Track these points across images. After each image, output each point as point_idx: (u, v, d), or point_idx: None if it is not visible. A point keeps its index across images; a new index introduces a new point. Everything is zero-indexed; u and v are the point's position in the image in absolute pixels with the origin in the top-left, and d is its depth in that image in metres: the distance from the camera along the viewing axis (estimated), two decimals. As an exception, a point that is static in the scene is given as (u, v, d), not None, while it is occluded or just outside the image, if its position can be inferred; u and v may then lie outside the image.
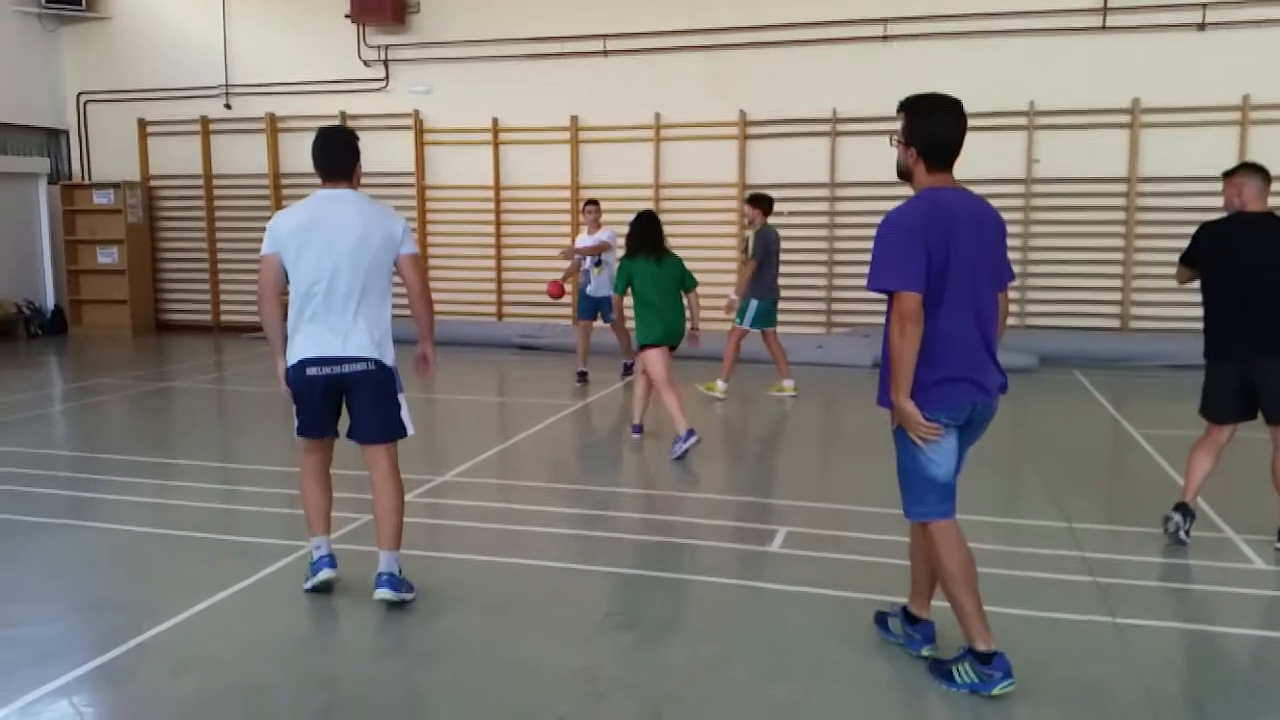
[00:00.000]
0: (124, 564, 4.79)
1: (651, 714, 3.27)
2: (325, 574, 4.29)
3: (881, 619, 3.89)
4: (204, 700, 3.38)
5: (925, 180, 3.40)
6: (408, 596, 4.23)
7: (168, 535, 5.19)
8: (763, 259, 8.96)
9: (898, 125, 3.45)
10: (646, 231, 7.30)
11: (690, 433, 6.85)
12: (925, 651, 3.64)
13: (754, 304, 9.03)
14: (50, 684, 3.45)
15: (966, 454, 3.53)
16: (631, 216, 7.50)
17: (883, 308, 3.51)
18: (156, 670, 3.61)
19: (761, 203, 9.10)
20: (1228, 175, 5.07)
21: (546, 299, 12.95)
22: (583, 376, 10.05)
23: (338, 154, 4.20)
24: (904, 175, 3.47)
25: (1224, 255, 4.93)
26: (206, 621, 4.05)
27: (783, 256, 11.90)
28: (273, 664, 3.68)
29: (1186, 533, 4.94)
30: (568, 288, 10.67)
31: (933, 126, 3.38)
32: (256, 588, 4.41)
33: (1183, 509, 4.98)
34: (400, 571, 4.24)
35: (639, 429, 7.53)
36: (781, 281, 11.98)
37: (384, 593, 4.14)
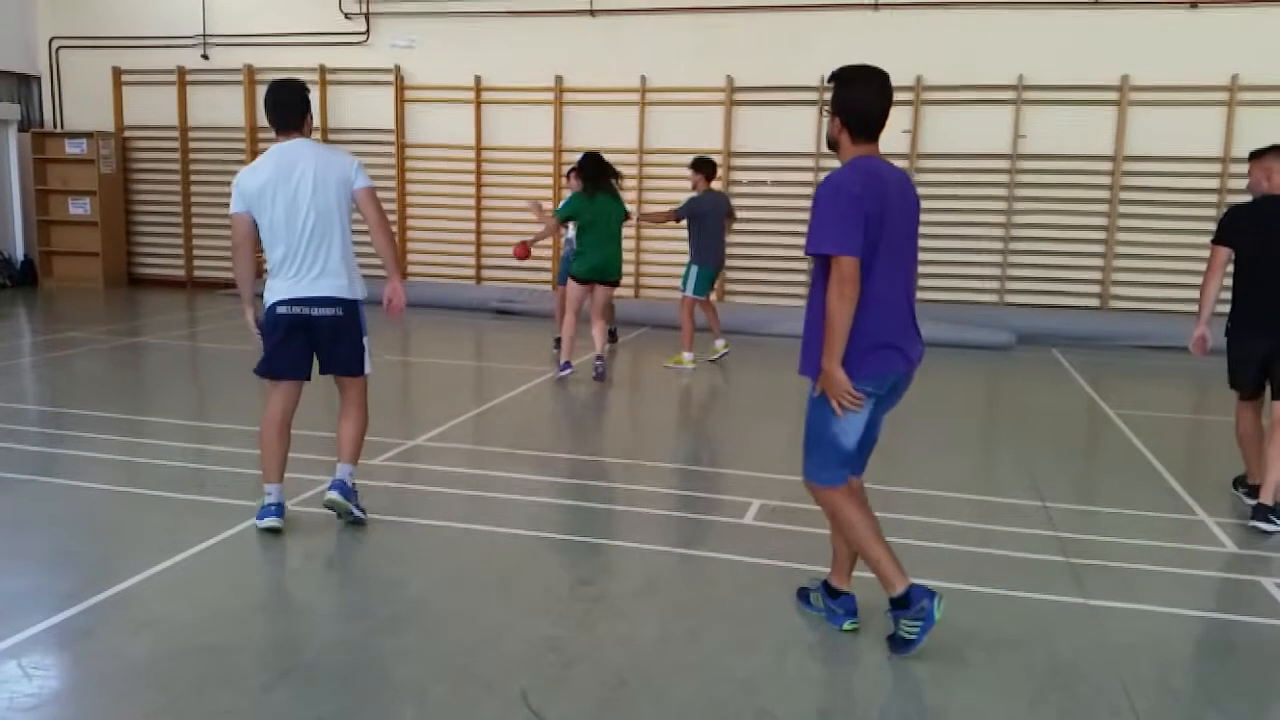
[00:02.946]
0: (87, 521, 4.69)
1: (615, 686, 3.23)
2: (271, 521, 4.45)
3: (803, 594, 3.88)
4: (161, 661, 3.30)
5: (851, 150, 3.42)
6: (358, 512, 4.56)
7: (133, 493, 5.08)
8: (689, 218, 9.00)
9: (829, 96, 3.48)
10: (604, 170, 8.09)
11: (567, 364, 8.20)
12: (847, 626, 3.64)
13: (695, 270, 9.06)
14: (2, 643, 3.36)
15: (883, 420, 3.60)
16: (615, 183, 8.24)
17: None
18: (114, 630, 3.53)
19: (703, 167, 9.09)
20: (1256, 156, 5.11)
21: (528, 263, 12.85)
22: (560, 343, 9.94)
23: (289, 106, 4.44)
24: (832, 145, 3.49)
25: (1254, 238, 5.00)
26: (168, 581, 3.97)
27: (766, 227, 11.95)
28: (234, 626, 3.60)
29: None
30: (535, 251, 10.61)
31: (856, 97, 3.39)
32: (220, 548, 4.33)
33: (1262, 511, 4.93)
34: (354, 489, 4.59)
35: (599, 359, 8.42)
36: (765, 252, 12.06)
37: (333, 495, 4.49)
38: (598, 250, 8.14)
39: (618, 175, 8.33)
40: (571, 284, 8.33)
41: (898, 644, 3.45)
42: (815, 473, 3.51)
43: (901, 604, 3.39)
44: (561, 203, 8.40)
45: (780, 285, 12.24)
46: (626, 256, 12.15)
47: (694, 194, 9.04)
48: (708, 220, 8.97)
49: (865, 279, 3.26)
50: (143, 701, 3.06)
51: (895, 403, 3.59)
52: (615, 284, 8.49)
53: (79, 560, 4.19)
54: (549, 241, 12.08)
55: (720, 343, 9.43)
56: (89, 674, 3.27)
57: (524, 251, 8.56)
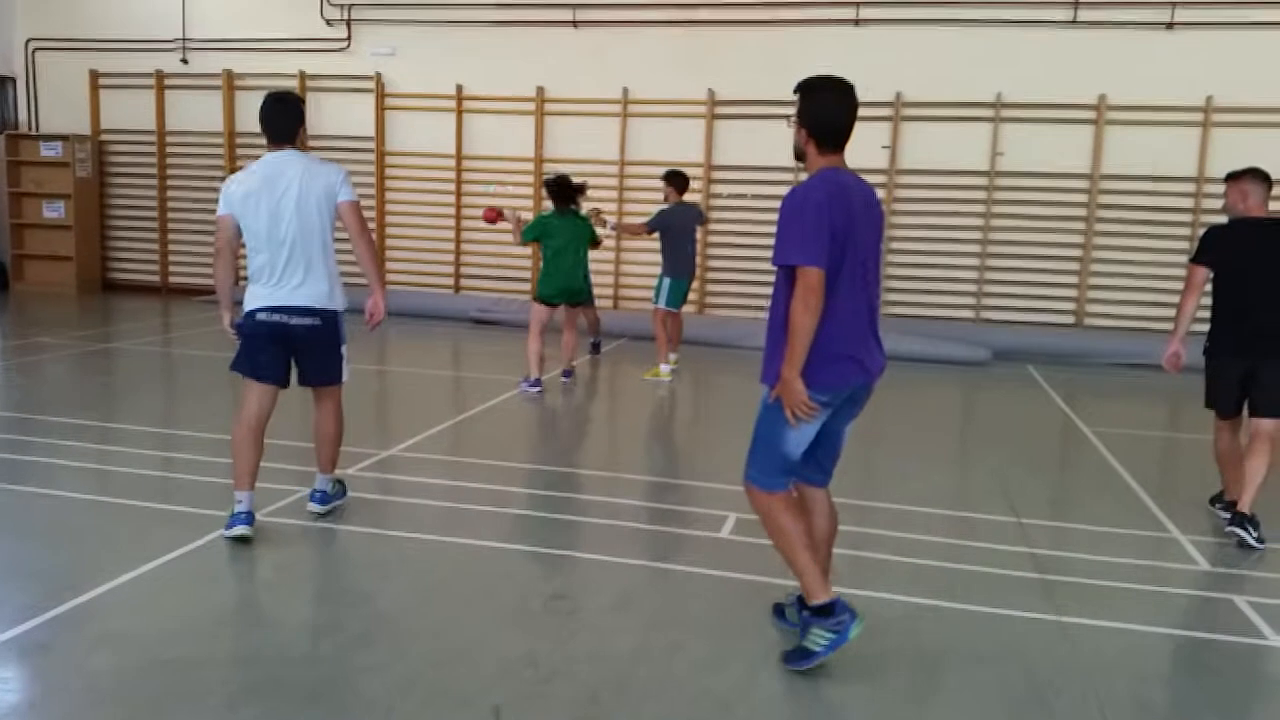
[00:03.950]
0: (51, 531, 4.60)
1: (590, 702, 3.19)
2: (240, 530, 4.42)
3: (779, 610, 3.87)
4: (123, 676, 3.23)
5: (818, 161, 3.42)
6: (339, 502, 4.91)
7: (100, 502, 5.01)
8: (661, 230, 9.01)
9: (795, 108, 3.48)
10: (569, 190, 8.18)
11: (537, 381, 8.09)
12: None
13: (667, 282, 9.09)
14: (-40, 656, 3.29)
15: (847, 430, 3.61)
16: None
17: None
18: (75, 643, 3.46)
19: (674, 180, 9.13)
20: (1232, 179, 5.17)
21: (507, 273, 12.87)
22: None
23: (283, 118, 4.51)
24: (799, 156, 3.50)
25: (1231, 259, 5.08)
26: (133, 593, 3.90)
27: (747, 241, 11.98)
28: (199, 640, 3.53)
29: (1257, 539, 4.87)
30: (512, 263, 10.60)
31: (821, 108, 3.40)
32: (188, 559, 4.26)
33: (1240, 518, 4.94)
34: (332, 486, 4.87)
35: (566, 374, 8.65)
36: (746, 265, 12.07)
37: (313, 505, 4.79)
38: (563, 273, 8.17)
39: (583, 190, 8.36)
40: (536, 306, 8.32)
41: (796, 655, 3.43)
42: (757, 476, 3.52)
43: (824, 612, 3.37)
44: (530, 222, 8.36)
45: (760, 299, 12.22)
46: (606, 268, 12.23)
47: (665, 206, 9.07)
48: (678, 233, 9.00)
49: (828, 290, 3.27)
50: (103, 717, 2.99)
51: (855, 414, 3.59)
52: (580, 305, 8.67)
53: (41, 570, 4.10)
54: (528, 251, 12.06)
55: (673, 356, 9.43)
56: (48, 688, 3.20)
57: (493, 215, 8.50)
